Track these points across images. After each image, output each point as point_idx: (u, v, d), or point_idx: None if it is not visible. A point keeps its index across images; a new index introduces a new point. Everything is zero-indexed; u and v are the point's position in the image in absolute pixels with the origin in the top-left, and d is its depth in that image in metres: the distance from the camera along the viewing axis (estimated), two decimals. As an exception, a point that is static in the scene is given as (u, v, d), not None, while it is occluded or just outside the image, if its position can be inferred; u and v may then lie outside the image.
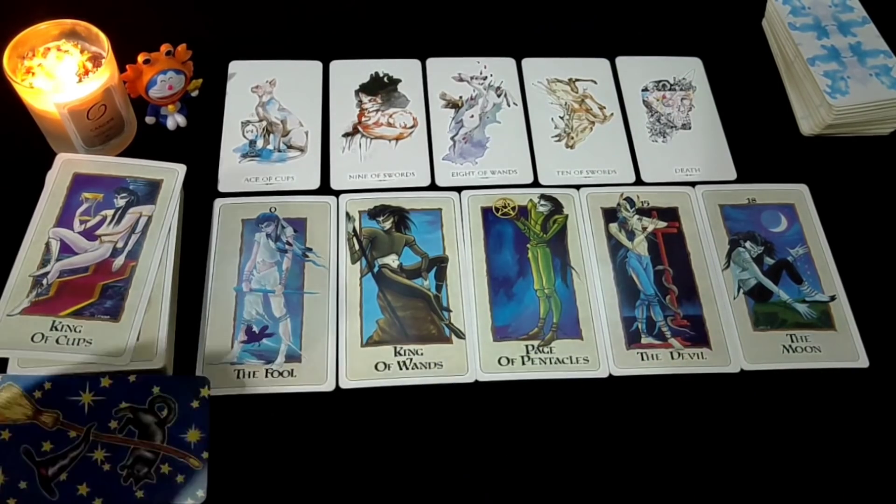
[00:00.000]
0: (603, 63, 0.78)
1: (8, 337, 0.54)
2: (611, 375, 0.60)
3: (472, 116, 0.73)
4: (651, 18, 0.82)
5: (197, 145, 0.69)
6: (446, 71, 0.76)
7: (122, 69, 0.64)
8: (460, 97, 0.74)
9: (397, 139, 0.71)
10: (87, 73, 0.62)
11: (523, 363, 0.60)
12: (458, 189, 0.68)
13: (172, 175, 0.64)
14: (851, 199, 0.70)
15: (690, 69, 0.78)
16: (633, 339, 0.61)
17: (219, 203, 0.65)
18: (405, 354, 0.59)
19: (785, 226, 0.68)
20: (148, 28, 0.73)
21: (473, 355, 0.60)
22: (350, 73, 0.75)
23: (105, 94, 0.61)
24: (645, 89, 0.76)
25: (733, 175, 0.71)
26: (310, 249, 0.63)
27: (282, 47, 0.76)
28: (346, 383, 0.58)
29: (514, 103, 0.74)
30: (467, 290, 0.62)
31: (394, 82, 0.75)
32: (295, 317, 0.60)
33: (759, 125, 0.75)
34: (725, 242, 0.66)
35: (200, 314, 0.60)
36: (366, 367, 0.58)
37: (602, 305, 0.63)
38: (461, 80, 0.75)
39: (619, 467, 0.56)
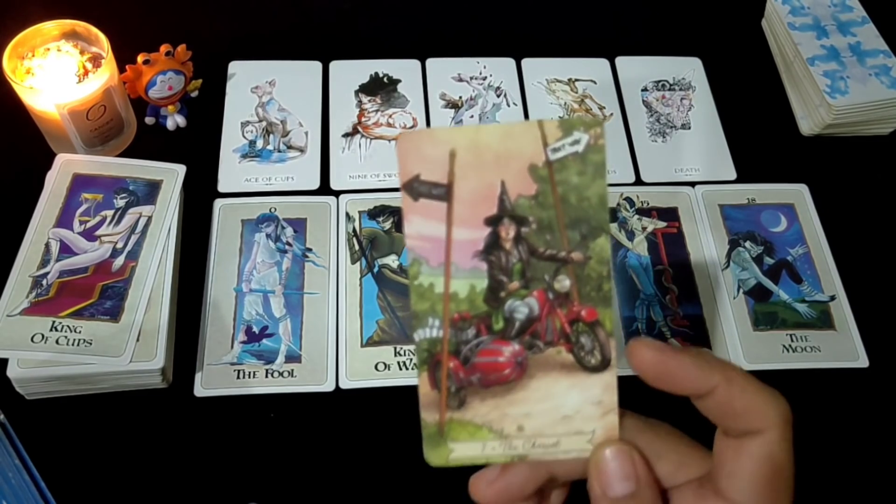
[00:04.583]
0: (602, 63, 0.78)
1: (8, 337, 0.54)
2: (611, 375, 0.60)
3: (472, 117, 0.73)
4: (651, 18, 0.82)
5: (197, 146, 0.69)
6: (446, 71, 0.76)
7: (121, 70, 0.64)
8: (460, 97, 0.74)
9: (397, 139, 0.71)
10: (86, 73, 0.62)
11: (523, 363, 0.59)
12: (458, 189, 0.68)
13: (172, 175, 0.64)
14: (851, 199, 0.70)
15: (690, 69, 0.78)
16: (632, 339, 0.61)
17: (219, 203, 0.65)
18: (405, 354, 0.59)
19: (785, 226, 0.68)
20: (148, 28, 0.73)
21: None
22: (350, 73, 0.75)
23: (105, 94, 0.61)
24: (644, 89, 0.76)
25: (733, 175, 0.71)
26: (310, 250, 0.63)
27: (282, 47, 0.76)
28: (346, 383, 0.58)
29: (514, 103, 0.74)
30: (467, 291, 0.62)
31: (393, 82, 0.75)
32: (295, 317, 0.60)
33: (758, 125, 0.75)
34: (725, 242, 0.66)
35: (200, 314, 0.60)
36: (366, 368, 0.58)
37: (602, 305, 0.63)
38: (461, 80, 0.75)
39: (619, 467, 0.56)
